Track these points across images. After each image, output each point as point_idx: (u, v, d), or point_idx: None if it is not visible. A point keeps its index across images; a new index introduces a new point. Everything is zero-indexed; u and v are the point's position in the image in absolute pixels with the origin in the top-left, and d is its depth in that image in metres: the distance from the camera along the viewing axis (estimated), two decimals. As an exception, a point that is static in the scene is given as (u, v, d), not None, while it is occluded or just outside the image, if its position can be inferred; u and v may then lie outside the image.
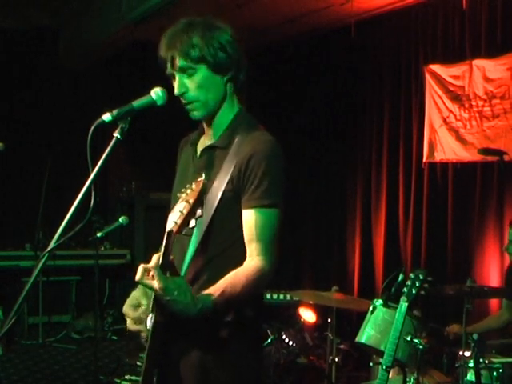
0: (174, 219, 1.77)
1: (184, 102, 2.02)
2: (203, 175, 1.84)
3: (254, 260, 1.92)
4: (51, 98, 7.34)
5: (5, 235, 6.91)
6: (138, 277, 1.78)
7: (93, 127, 1.82)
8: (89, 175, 1.81)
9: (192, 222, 1.78)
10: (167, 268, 1.78)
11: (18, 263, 6.66)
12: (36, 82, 7.32)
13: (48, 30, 7.41)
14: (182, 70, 1.99)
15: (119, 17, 6.10)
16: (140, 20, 5.88)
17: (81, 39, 7.10)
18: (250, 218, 1.95)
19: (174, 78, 2.02)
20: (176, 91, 2.00)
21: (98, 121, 1.84)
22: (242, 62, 2.04)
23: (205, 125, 2.11)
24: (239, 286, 1.86)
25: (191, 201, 1.77)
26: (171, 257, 1.80)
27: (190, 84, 1.99)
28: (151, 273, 1.76)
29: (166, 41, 1.99)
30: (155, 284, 1.75)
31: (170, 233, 1.78)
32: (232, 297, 1.85)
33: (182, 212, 1.77)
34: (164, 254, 1.78)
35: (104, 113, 1.85)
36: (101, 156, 1.83)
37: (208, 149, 2.07)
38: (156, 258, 1.78)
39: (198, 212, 1.78)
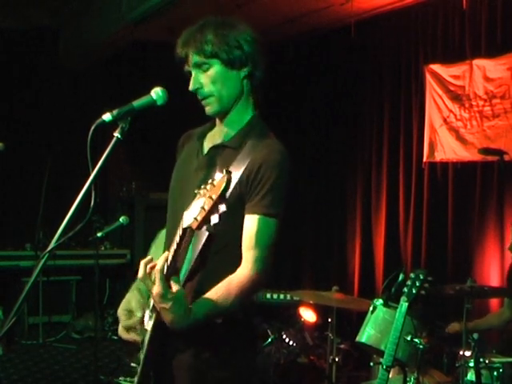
0: (193, 215, 1.70)
1: (199, 97, 2.02)
2: (224, 171, 1.75)
3: (248, 268, 1.91)
4: (51, 97, 7.34)
5: (5, 235, 6.91)
6: (140, 275, 1.79)
7: (93, 127, 1.82)
8: (89, 175, 1.81)
9: (214, 218, 1.69)
10: (172, 272, 1.76)
11: (18, 263, 6.65)
12: (36, 82, 7.32)
13: (48, 30, 7.41)
14: (197, 66, 2.00)
15: (119, 17, 6.10)
16: (140, 20, 5.88)
17: (81, 39, 7.09)
18: (252, 225, 1.94)
19: (191, 74, 2.03)
20: (190, 86, 2.01)
21: (98, 121, 1.84)
22: (258, 60, 2.02)
23: (218, 122, 2.10)
24: (232, 296, 1.86)
25: (214, 196, 1.68)
26: (177, 263, 1.80)
27: (204, 79, 2.00)
28: (153, 273, 1.76)
29: (181, 39, 2.01)
30: (154, 289, 1.75)
31: (186, 229, 1.74)
32: (223, 308, 1.86)
33: (203, 208, 1.69)
34: (175, 252, 1.76)
35: (104, 113, 1.85)
36: (101, 156, 1.83)
37: (217, 147, 2.06)
38: (162, 260, 1.77)
39: (222, 207, 1.70)
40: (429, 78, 5.62)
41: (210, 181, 1.73)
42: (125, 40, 6.58)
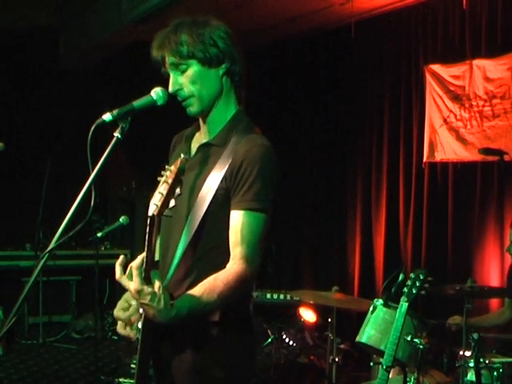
0: (154, 202, 1.78)
1: (179, 99, 2.02)
2: (181, 155, 1.86)
3: (235, 264, 1.90)
4: (51, 97, 7.34)
5: (5, 235, 6.91)
6: (116, 276, 1.78)
7: (93, 127, 1.82)
8: (89, 175, 1.81)
9: (172, 202, 1.79)
10: (151, 266, 1.77)
11: (18, 263, 6.66)
12: (36, 82, 7.31)
13: (48, 30, 7.41)
14: (174, 67, 2.00)
15: (119, 17, 6.10)
16: (140, 20, 5.88)
17: (81, 39, 7.09)
18: (237, 220, 1.93)
19: (169, 76, 2.03)
20: (170, 89, 2.00)
21: (99, 121, 1.84)
22: (235, 55, 2.02)
23: (201, 122, 2.11)
24: (216, 293, 1.84)
25: (170, 181, 1.79)
26: (155, 259, 1.81)
27: (183, 80, 2.00)
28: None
29: (156, 42, 2.01)
30: (131, 285, 1.75)
31: (152, 217, 1.77)
32: (208, 304, 1.84)
33: (161, 193, 1.78)
34: (148, 242, 1.77)
35: (104, 113, 1.85)
36: (101, 156, 1.83)
37: (203, 146, 2.07)
38: (140, 258, 1.78)
39: (177, 191, 1.80)
40: (429, 78, 5.62)
41: (167, 167, 1.84)
42: (125, 40, 6.58)
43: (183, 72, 1.99)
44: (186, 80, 1.99)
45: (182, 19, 2.02)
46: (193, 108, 2.02)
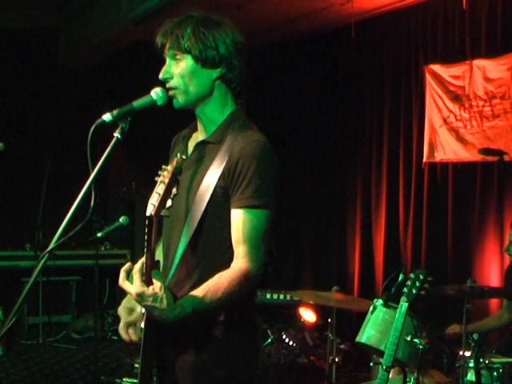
0: (152, 202, 1.80)
1: (166, 87, 2.01)
2: (178, 155, 1.88)
3: (239, 263, 1.89)
4: (51, 98, 7.34)
5: (5, 235, 6.91)
6: (120, 281, 1.81)
7: (93, 127, 1.83)
8: (89, 175, 1.81)
9: (168, 202, 1.81)
10: (152, 267, 1.78)
11: (18, 263, 6.65)
12: (36, 82, 7.32)
13: (48, 30, 7.41)
14: (171, 56, 2.01)
15: (119, 17, 6.11)
16: (140, 20, 5.88)
17: (81, 39, 7.10)
18: (238, 219, 1.92)
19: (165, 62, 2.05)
20: (160, 75, 2.02)
21: (99, 121, 1.85)
22: (235, 63, 2.01)
23: (198, 121, 2.11)
24: (220, 292, 1.84)
25: (166, 181, 1.81)
26: (156, 259, 1.82)
27: (174, 70, 2.00)
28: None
29: (162, 28, 2.02)
30: (132, 289, 1.77)
31: (150, 217, 1.78)
32: (212, 302, 1.84)
33: (158, 193, 1.80)
34: (147, 242, 1.78)
35: (104, 113, 1.85)
36: (101, 156, 1.83)
37: (200, 144, 2.07)
38: (140, 262, 1.79)
39: (174, 191, 1.83)
40: (429, 78, 5.62)
41: (164, 167, 1.86)
42: (125, 40, 6.58)
43: (177, 62, 2.00)
44: (176, 71, 2.00)
45: (196, 12, 2.03)
46: (177, 101, 2.03)
